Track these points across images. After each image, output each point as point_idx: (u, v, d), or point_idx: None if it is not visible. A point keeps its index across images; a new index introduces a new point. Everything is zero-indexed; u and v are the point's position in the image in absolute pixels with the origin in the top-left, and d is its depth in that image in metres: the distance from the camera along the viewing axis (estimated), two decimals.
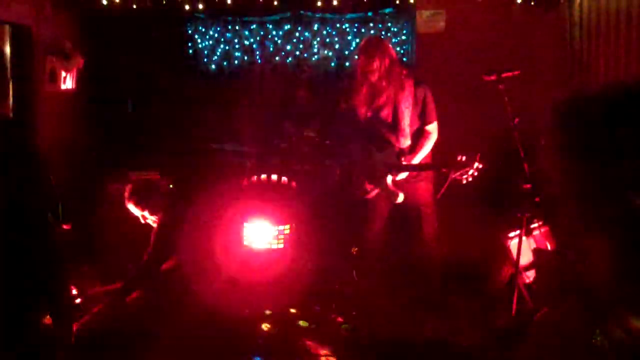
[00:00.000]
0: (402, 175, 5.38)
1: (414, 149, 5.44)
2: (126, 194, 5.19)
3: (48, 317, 3.03)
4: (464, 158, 4.88)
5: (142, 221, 5.25)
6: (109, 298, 5.04)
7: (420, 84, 5.43)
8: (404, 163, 5.36)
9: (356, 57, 5.47)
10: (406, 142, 5.43)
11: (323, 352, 4.97)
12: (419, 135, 5.46)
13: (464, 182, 4.89)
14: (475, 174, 4.86)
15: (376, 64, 5.23)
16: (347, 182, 5.69)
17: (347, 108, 5.63)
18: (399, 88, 5.33)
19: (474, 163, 4.83)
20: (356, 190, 5.63)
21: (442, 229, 5.64)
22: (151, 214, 5.20)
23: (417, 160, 5.43)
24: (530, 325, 4.41)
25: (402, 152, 5.41)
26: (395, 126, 5.39)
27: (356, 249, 6.20)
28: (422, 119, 5.44)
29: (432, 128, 5.45)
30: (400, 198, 5.35)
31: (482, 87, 5.42)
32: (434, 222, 5.56)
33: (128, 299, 5.11)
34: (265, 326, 5.41)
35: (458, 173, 4.88)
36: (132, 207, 5.21)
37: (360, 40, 8.22)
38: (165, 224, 5.16)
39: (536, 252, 5.04)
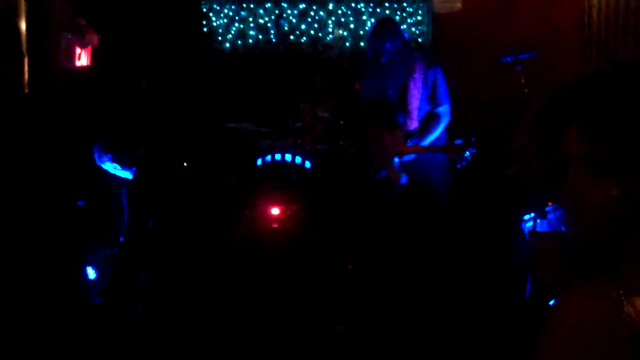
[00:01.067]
0: (409, 157, 5.37)
1: (423, 131, 5.43)
2: (100, 148, 5.09)
3: (65, 297, 3.04)
4: (459, 142, 4.87)
5: (119, 174, 5.15)
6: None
7: (432, 66, 5.41)
8: (408, 144, 5.35)
9: (368, 37, 5.46)
10: (414, 124, 5.41)
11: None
12: (429, 118, 5.44)
13: (459, 166, 4.89)
14: (470, 159, 4.84)
15: (388, 45, 5.22)
16: (359, 161, 5.71)
17: (360, 88, 5.63)
18: (408, 70, 5.31)
19: (467, 147, 4.82)
20: (367, 169, 5.64)
21: (455, 212, 5.64)
22: (122, 167, 5.11)
23: (425, 142, 5.42)
24: (544, 309, 4.39)
25: (409, 134, 5.39)
26: (403, 108, 5.37)
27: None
28: (433, 101, 5.42)
29: (443, 111, 5.43)
30: (403, 180, 5.34)
31: (498, 68, 5.39)
32: (448, 205, 5.55)
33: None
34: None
35: (455, 156, 4.88)
36: (103, 163, 5.12)
37: (375, 21, 8.21)
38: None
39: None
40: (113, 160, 5.02)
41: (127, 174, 5.07)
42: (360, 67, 5.62)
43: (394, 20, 5.73)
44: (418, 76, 5.32)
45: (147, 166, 5.21)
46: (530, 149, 1.36)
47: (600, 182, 1.23)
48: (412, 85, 5.31)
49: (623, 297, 1.16)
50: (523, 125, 1.40)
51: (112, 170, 5.11)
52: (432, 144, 5.43)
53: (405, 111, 5.35)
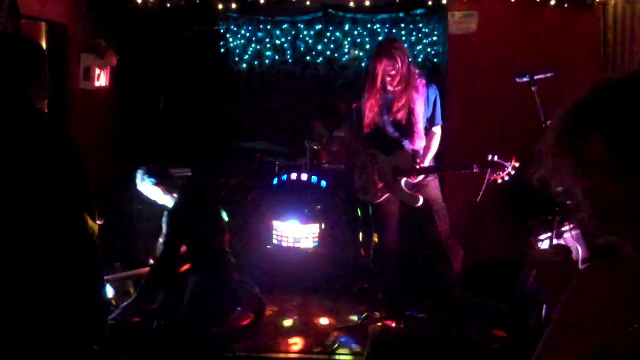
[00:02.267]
0: (420, 178, 5.37)
1: (427, 150, 5.45)
2: (139, 175, 5.10)
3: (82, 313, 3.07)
4: (495, 158, 4.86)
5: (159, 201, 5.18)
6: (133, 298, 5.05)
7: (430, 84, 5.44)
8: (424, 166, 5.35)
9: (373, 58, 5.42)
10: (422, 144, 5.42)
11: (350, 351, 4.99)
12: (430, 137, 5.47)
13: (500, 181, 4.88)
14: (513, 173, 4.84)
15: (398, 66, 5.23)
16: (360, 187, 5.68)
17: (357, 108, 5.62)
18: (413, 90, 5.33)
19: (509, 163, 4.82)
20: (366, 194, 5.62)
21: (470, 231, 5.64)
22: (165, 193, 5.11)
23: (427, 160, 5.43)
24: None
25: (417, 154, 5.40)
26: (410, 128, 5.37)
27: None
28: (432, 120, 5.45)
29: (438, 129, 5.47)
30: (420, 201, 5.33)
31: (514, 89, 5.40)
32: (446, 217, 5.55)
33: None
34: (293, 325, 5.45)
35: (494, 174, 4.86)
36: (145, 187, 5.12)
37: (380, 41, 8.25)
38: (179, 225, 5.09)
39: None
40: (157, 185, 5.05)
41: (166, 200, 5.09)
42: (363, 88, 5.59)
43: (398, 39, 5.72)
44: (421, 95, 5.35)
45: (193, 191, 5.26)
46: (552, 150, 1.42)
47: (620, 186, 1.29)
48: (417, 105, 5.33)
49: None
50: (548, 129, 1.46)
51: (150, 195, 5.14)
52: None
53: (412, 131, 5.36)
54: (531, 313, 4.80)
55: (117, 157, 7.44)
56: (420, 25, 8.22)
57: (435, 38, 8.09)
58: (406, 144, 5.41)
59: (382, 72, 5.26)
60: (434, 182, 5.50)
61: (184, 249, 5.08)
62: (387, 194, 5.45)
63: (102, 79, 7.09)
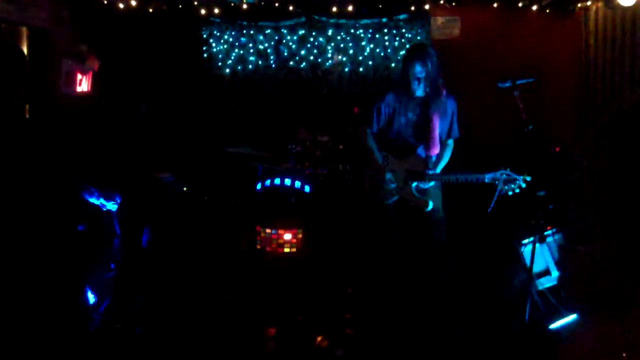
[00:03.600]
0: (430, 183, 5.37)
1: (439, 159, 5.45)
2: (82, 186, 5.10)
3: (66, 317, 3.05)
4: (507, 170, 4.86)
5: (103, 208, 5.16)
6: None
7: (451, 97, 5.43)
8: (436, 172, 5.35)
9: (406, 61, 5.38)
10: (435, 151, 5.43)
11: (336, 354, 4.98)
12: (443, 147, 5.47)
13: (510, 193, 4.88)
14: (523, 186, 4.84)
15: (428, 71, 5.22)
16: (370, 187, 5.68)
17: (377, 108, 5.59)
18: (437, 96, 5.33)
19: (521, 176, 4.82)
20: (376, 194, 5.63)
21: (453, 236, 5.64)
22: (105, 199, 5.10)
23: (439, 169, 5.44)
24: (544, 332, 4.40)
25: (429, 160, 5.40)
26: (426, 134, 5.37)
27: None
28: (448, 131, 5.45)
29: (452, 142, 5.48)
30: (430, 205, 5.35)
31: (496, 93, 5.42)
32: (443, 227, 5.55)
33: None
34: (272, 331, 5.43)
35: (505, 186, 4.86)
36: (87, 196, 5.11)
37: (375, 46, 8.27)
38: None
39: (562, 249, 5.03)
40: (89, 197, 5.04)
41: (110, 205, 5.08)
42: (384, 91, 5.58)
43: (427, 45, 5.67)
44: (442, 104, 5.34)
45: (133, 192, 5.22)
46: None
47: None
48: (437, 112, 5.32)
49: (627, 334, 1.21)
50: None
51: (95, 202, 5.12)
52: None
53: (428, 137, 5.35)
54: (515, 314, 4.81)
55: (98, 162, 7.39)
56: (403, 30, 8.24)
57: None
58: (420, 149, 5.42)
59: (412, 75, 5.26)
60: (436, 191, 5.50)
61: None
62: (397, 196, 5.47)
63: (83, 84, 7.05)
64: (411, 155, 5.43)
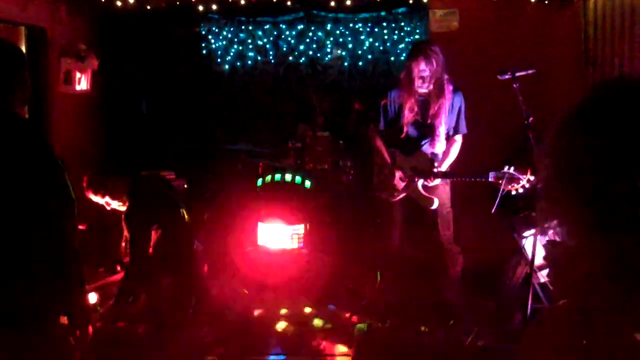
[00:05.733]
0: (437, 181, 5.36)
1: (445, 156, 5.44)
2: (84, 185, 5.06)
3: (64, 318, 3.04)
4: (511, 169, 4.84)
5: (108, 208, 5.14)
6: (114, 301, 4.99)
7: (457, 92, 5.40)
8: (441, 170, 5.33)
9: (410, 59, 5.33)
10: (442, 148, 5.41)
11: (338, 351, 4.98)
12: (450, 143, 5.45)
13: (513, 192, 4.86)
14: (527, 185, 4.81)
15: (433, 68, 5.19)
16: (378, 184, 5.67)
17: (384, 105, 5.56)
18: (442, 93, 5.30)
19: (524, 175, 4.79)
20: (383, 191, 5.62)
21: (456, 230, 5.63)
22: (113, 198, 5.07)
23: (445, 166, 5.42)
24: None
25: (435, 157, 5.39)
26: (432, 131, 5.36)
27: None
28: (454, 128, 5.43)
29: (459, 137, 5.45)
30: (436, 203, 5.34)
31: (496, 85, 5.40)
32: (450, 223, 5.54)
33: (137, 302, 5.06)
34: (280, 326, 5.43)
35: (509, 185, 4.83)
36: (92, 196, 5.09)
37: (374, 40, 8.25)
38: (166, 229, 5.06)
39: (550, 244, 5.00)
40: (96, 194, 5.00)
41: (115, 205, 5.05)
42: (388, 88, 5.56)
43: (433, 42, 5.61)
44: (447, 100, 5.32)
45: (140, 192, 5.16)
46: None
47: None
48: (443, 109, 5.30)
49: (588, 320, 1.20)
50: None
51: (99, 202, 5.09)
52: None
53: (433, 134, 5.34)
54: (516, 311, 4.81)
55: (99, 160, 7.39)
56: (402, 24, 8.23)
57: (417, 36, 8.11)
58: (425, 146, 5.40)
59: (416, 73, 5.22)
60: (444, 187, 5.49)
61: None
62: (404, 193, 5.46)
63: (82, 83, 7.04)
64: (418, 152, 5.42)
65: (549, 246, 4.78)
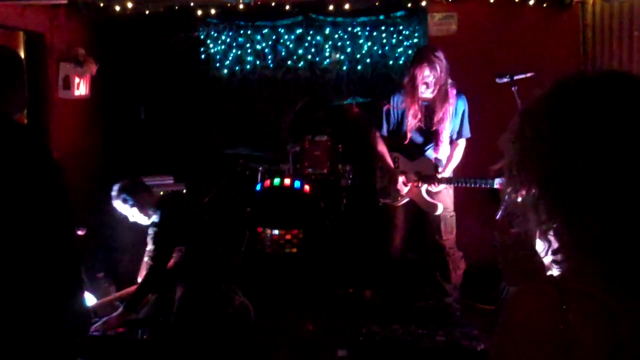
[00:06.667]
0: (441, 187, 5.36)
1: (449, 161, 5.44)
2: (114, 192, 5.03)
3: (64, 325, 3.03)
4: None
5: (131, 219, 5.12)
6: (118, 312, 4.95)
7: (461, 96, 5.40)
8: (445, 175, 5.33)
9: (414, 65, 5.31)
10: (445, 153, 5.42)
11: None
12: (453, 147, 5.46)
13: (519, 199, 4.84)
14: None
15: (437, 74, 5.19)
16: (381, 189, 5.67)
17: (387, 110, 5.55)
18: (446, 99, 5.30)
19: None
20: (387, 196, 5.61)
21: (458, 234, 5.62)
22: (140, 212, 5.05)
23: (449, 170, 5.42)
24: None
25: (439, 162, 5.39)
26: (435, 136, 5.36)
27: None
28: (458, 131, 5.43)
29: (463, 141, 5.46)
30: (440, 209, 5.33)
31: (495, 89, 5.41)
32: (453, 226, 5.54)
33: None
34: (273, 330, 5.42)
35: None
36: (120, 205, 5.07)
37: (372, 44, 8.24)
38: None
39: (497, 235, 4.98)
40: (127, 204, 4.98)
41: (139, 218, 5.03)
42: (389, 91, 5.57)
43: (436, 48, 5.61)
44: (450, 105, 5.32)
45: (171, 205, 5.13)
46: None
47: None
48: (446, 114, 5.30)
49: (563, 297, 1.23)
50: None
51: (123, 212, 5.06)
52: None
53: (437, 139, 5.34)
54: None
55: (98, 166, 7.39)
56: (401, 28, 8.22)
57: (415, 40, 8.09)
58: (429, 151, 5.40)
59: (420, 79, 5.21)
60: (447, 191, 5.49)
61: (171, 262, 5.01)
62: (407, 198, 5.45)
63: (81, 88, 7.04)
64: (421, 157, 5.42)
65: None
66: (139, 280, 5.12)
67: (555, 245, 1.34)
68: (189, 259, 5.02)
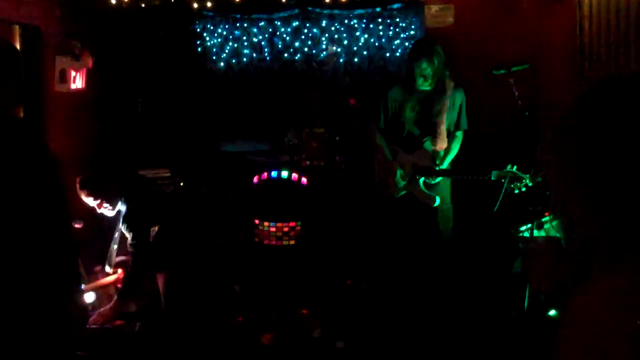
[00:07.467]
0: (438, 179, 5.37)
1: (447, 153, 5.44)
2: (78, 185, 5.00)
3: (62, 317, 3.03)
4: (514, 168, 4.83)
5: (98, 210, 5.09)
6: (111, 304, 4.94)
7: (459, 88, 5.41)
8: (443, 167, 5.34)
9: (411, 58, 5.32)
10: (443, 145, 5.42)
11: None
12: (451, 140, 5.46)
13: (516, 191, 4.85)
14: (530, 184, 4.81)
15: (434, 67, 5.19)
16: (379, 182, 5.67)
17: (384, 102, 5.55)
18: (443, 91, 5.31)
19: (527, 175, 4.78)
20: (385, 188, 5.62)
21: (459, 227, 5.63)
22: (106, 201, 5.01)
23: (447, 162, 5.43)
24: (542, 319, 4.40)
25: (437, 155, 5.39)
26: (433, 129, 5.36)
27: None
28: (456, 124, 5.44)
29: (461, 134, 5.46)
30: (437, 201, 5.34)
31: (492, 80, 5.41)
32: (450, 219, 5.55)
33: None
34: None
35: (512, 184, 4.83)
36: (85, 198, 5.03)
37: (369, 36, 8.24)
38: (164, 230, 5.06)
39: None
40: (89, 196, 4.94)
41: (105, 210, 5.01)
42: (385, 83, 5.59)
43: (434, 40, 5.60)
44: (448, 98, 5.32)
45: (135, 188, 5.13)
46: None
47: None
48: (444, 107, 5.31)
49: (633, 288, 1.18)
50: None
51: (90, 204, 5.03)
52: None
53: (435, 132, 5.35)
54: (513, 304, 4.81)
55: (94, 159, 7.37)
56: (397, 20, 8.22)
57: (412, 32, 8.09)
58: (427, 143, 5.40)
59: (418, 72, 5.21)
60: (445, 183, 5.50)
61: None
62: (405, 191, 5.46)
63: (77, 81, 7.02)
64: (419, 149, 5.42)
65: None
66: (107, 269, 5.14)
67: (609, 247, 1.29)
68: (164, 240, 5.03)
